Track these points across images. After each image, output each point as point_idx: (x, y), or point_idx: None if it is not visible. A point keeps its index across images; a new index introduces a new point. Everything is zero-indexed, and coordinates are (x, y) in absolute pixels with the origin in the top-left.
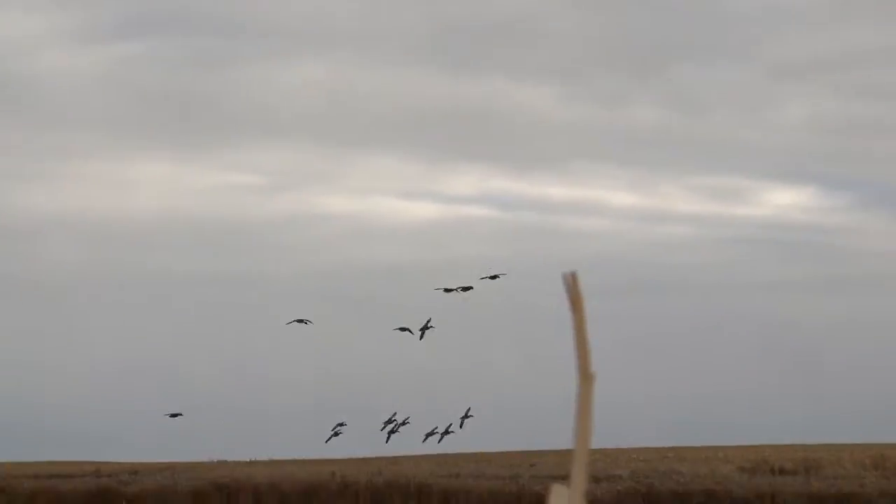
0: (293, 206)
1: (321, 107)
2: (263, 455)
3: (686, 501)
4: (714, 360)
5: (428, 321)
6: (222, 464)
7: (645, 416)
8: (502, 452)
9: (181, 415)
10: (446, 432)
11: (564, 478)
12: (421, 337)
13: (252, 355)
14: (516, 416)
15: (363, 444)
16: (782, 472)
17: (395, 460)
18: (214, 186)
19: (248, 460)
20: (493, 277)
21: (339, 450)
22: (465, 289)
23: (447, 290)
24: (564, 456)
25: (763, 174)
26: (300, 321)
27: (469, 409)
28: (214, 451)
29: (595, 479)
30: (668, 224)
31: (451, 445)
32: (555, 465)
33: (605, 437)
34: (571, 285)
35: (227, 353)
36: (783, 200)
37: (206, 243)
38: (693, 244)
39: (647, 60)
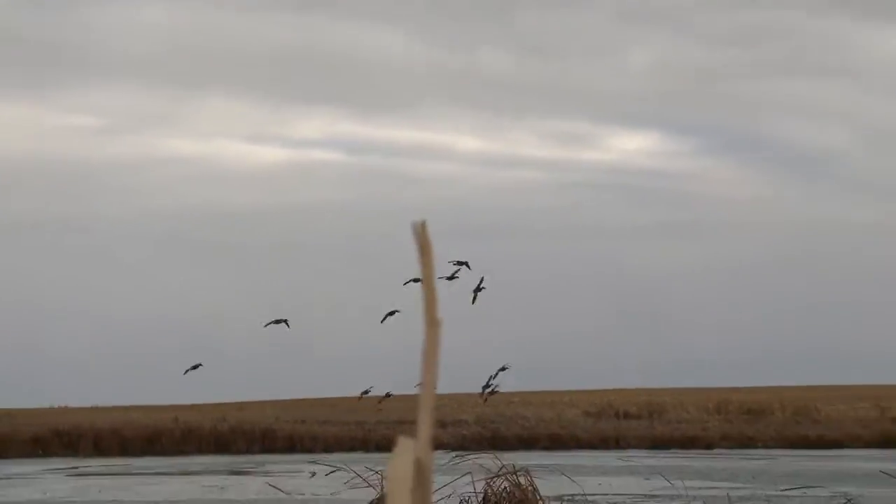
0: (136, 148)
1: (164, 48)
2: (105, 401)
3: (531, 446)
4: (560, 305)
5: (480, 282)
6: (63, 410)
7: (491, 361)
8: (347, 398)
9: (201, 365)
10: (489, 387)
11: (411, 423)
12: (473, 301)
13: (94, 300)
14: (361, 361)
15: (208, 389)
16: (627, 416)
17: (240, 406)
18: (55, 128)
19: (90, 406)
20: (460, 265)
21: (183, 396)
22: (450, 278)
23: (416, 281)
24: (411, 401)
25: (609, 119)
26: (278, 322)
27: (506, 365)
28: (55, 397)
29: (441, 425)
30: (514, 169)
31: (297, 390)
32: (402, 410)
33: (452, 382)
34: (420, 233)
35: (68, 298)
36: (629, 145)
37: (46, 186)
38: (539, 189)
39: (494, 4)
